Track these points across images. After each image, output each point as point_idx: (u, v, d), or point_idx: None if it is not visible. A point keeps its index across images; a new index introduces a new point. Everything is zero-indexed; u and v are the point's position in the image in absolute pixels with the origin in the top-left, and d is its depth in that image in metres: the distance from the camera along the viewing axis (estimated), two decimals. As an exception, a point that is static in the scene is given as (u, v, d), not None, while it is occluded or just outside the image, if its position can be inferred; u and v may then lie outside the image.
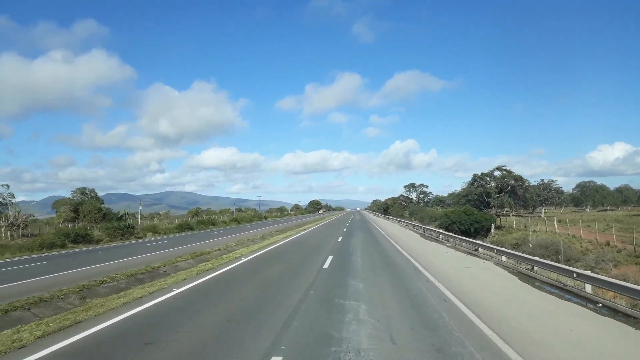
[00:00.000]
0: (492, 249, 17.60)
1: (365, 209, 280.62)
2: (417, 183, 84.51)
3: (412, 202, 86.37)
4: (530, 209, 74.63)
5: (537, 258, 13.60)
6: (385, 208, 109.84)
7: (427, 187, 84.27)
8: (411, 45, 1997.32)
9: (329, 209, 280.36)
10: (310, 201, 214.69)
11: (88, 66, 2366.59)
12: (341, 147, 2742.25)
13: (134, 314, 7.53)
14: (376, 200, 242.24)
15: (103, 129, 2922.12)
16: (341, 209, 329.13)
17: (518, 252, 17.62)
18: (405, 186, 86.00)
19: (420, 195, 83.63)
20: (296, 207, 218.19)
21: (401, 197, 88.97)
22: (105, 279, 10.63)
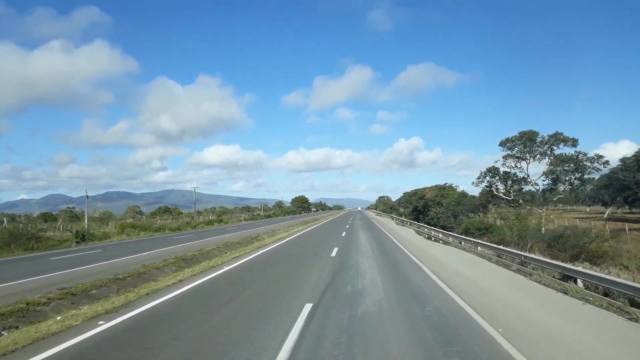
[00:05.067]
0: None
1: (368, 207, 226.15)
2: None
3: (502, 197, 31.37)
4: None
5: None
6: (418, 209, 53.94)
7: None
8: (429, 35, 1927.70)
9: (323, 208, 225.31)
10: (294, 198, 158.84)
11: (89, 58, 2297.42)
12: (346, 145, 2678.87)
13: None
14: (383, 197, 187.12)
15: (104, 125, 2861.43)
16: (339, 207, 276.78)
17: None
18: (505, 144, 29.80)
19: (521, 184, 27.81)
20: (279, 206, 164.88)
21: (488, 181, 33.30)
22: None
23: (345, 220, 53.42)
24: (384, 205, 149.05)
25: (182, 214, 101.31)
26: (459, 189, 51.36)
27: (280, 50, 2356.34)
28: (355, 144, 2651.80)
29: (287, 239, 24.76)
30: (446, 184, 51.72)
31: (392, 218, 58.10)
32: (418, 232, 30.95)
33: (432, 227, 29.52)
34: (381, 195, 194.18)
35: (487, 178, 33.76)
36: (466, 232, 29.74)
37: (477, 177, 34.31)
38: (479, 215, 36.02)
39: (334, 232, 30.44)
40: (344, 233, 28.89)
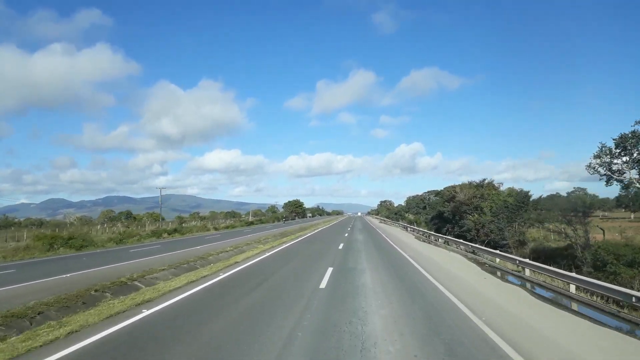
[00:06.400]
0: None
1: (368, 213, 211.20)
2: None
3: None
4: None
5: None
6: (444, 216, 38.48)
7: None
8: (433, 38, 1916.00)
9: (320, 213, 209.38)
10: (287, 202, 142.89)
11: (91, 61, 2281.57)
12: (347, 150, 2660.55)
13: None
14: (385, 202, 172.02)
15: (105, 129, 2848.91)
16: (338, 212, 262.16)
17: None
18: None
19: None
20: (272, 211, 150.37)
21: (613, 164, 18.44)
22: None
23: (342, 232, 37.74)
24: (387, 211, 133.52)
25: (164, 219, 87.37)
26: (502, 188, 35.86)
27: (283, 53, 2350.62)
28: (357, 148, 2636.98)
29: (190, 292, 9.15)
30: (484, 180, 36.15)
31: (406, 228, 42.21)
32: (477, 262, 15.39)
33: (520, 258, 13.74)
34: (382, 200, 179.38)
35: (610, 158, 18.09)
36: (594, 267, 14.05)
37: (594, 153, 18.63)
38: (574, 229, 20.51)
39: (312, 267, 14.82)
40: (330, 271, 13.16)
